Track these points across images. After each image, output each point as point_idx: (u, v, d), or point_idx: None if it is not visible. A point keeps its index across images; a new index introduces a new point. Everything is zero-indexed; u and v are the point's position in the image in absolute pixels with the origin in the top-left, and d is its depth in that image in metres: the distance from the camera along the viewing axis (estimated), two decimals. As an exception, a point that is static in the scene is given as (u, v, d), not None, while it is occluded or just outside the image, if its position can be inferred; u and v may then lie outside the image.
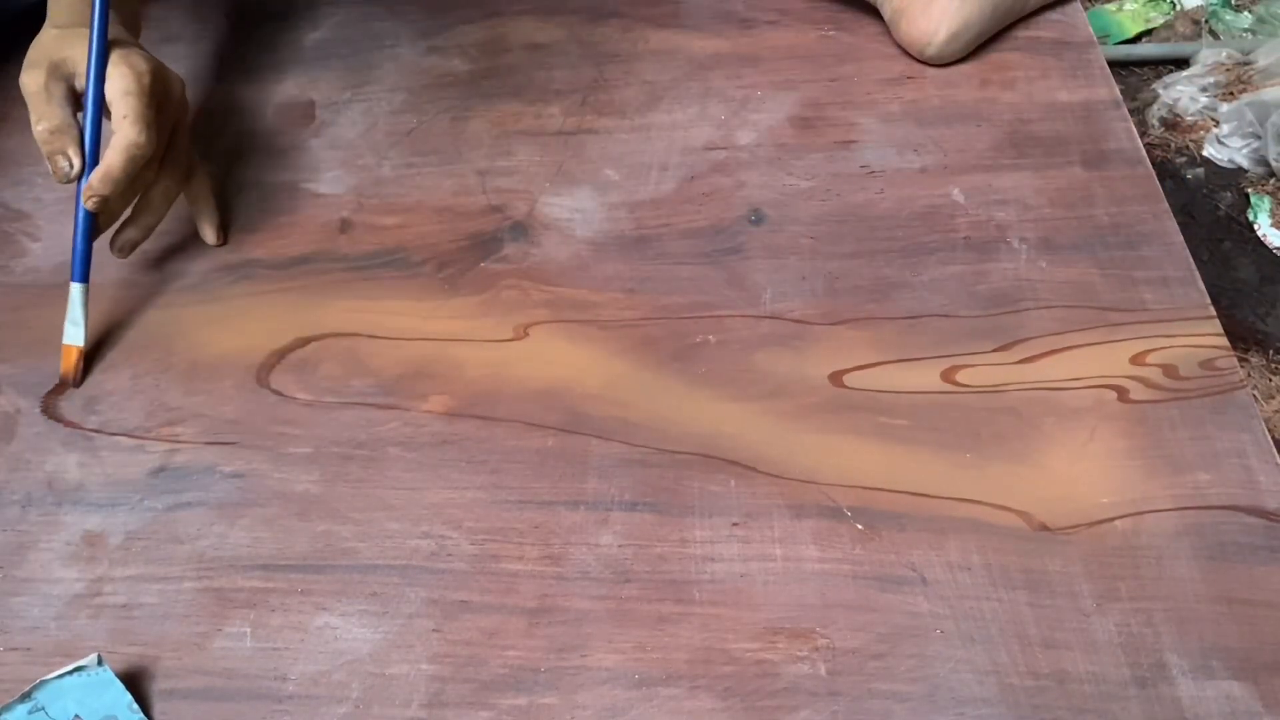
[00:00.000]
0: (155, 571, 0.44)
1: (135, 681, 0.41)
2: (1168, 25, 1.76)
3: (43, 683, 0.38)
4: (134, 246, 0.53)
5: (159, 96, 0.51)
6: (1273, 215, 1.48)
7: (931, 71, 0.61)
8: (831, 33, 0.63)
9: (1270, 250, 1.45)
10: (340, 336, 0.51)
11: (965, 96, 0.59)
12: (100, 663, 0.39)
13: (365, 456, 0.47)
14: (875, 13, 0.63)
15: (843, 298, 0.51)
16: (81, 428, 0.49)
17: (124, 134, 0.48)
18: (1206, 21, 1.76)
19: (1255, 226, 1.47)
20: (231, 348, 0.51)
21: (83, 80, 0.50)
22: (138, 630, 0.42)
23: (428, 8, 0.67)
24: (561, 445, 0.47)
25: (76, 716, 0.39)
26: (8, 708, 0.38)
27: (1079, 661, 0.39)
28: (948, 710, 0.38)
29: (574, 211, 0.56)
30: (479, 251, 0.54)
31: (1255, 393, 1.28)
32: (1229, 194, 1.52)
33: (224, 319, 0.52)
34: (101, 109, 0.50)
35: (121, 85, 0.49)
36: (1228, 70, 1.62)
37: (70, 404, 0.50)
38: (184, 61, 0.65)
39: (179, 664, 0.41)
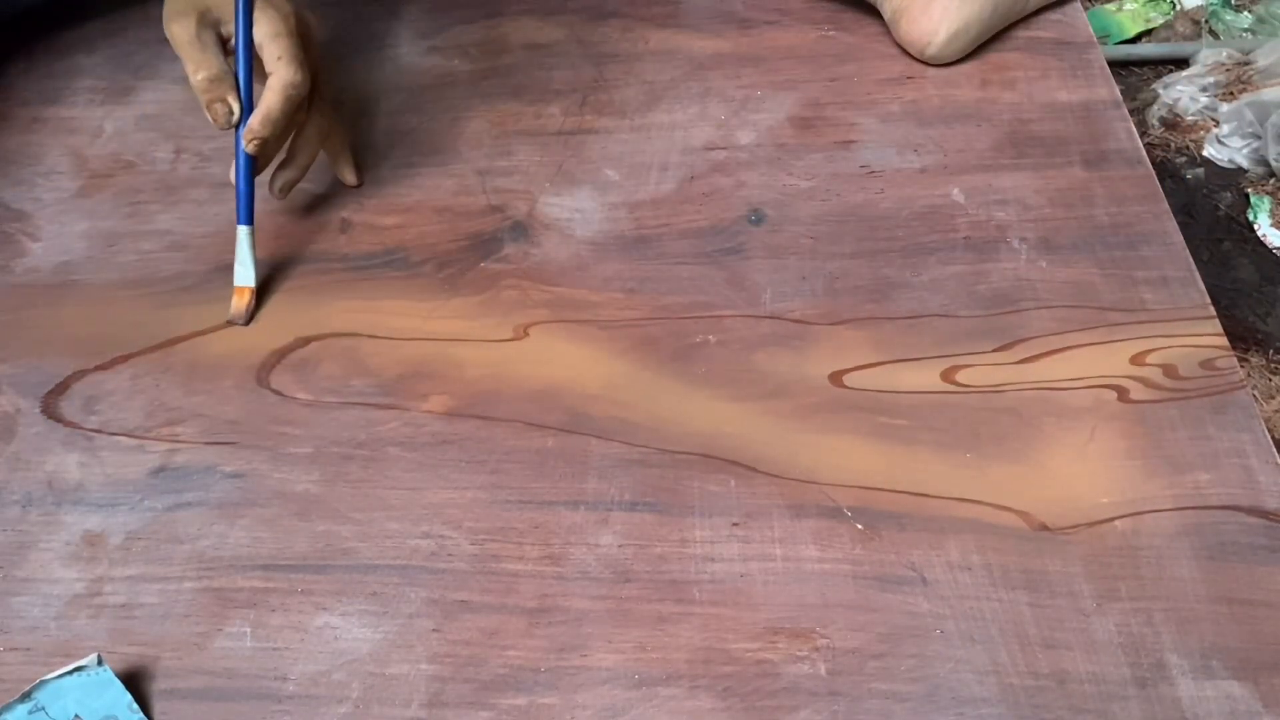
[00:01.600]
0: (155, 571, 0.44)
1: (135, 681, 0.41)
2: (1168, 25, 1.76)
3: (43, 683, 0.38)
4: (292, 186, 0.54)
5: (304, 36, 0.51)
6: (1273, 215, 1.48)
7: (931, 71, 0.61)
8: (831, 33, 0.63)
9: (1270, 250, 1.45)
10: (340, 336, 0.51)
11: (965, 96, 0.59)
12: (100, 663, 0.39)
13: (365, 456, 0.47)
14: (875, 13, 0.63)
15: (843, 298, 0.51)
16: (81, 428, 0.49)
17: (280, 75, 0.49)
18: (1206, 21, 1.76)
19: (1255, 226, 1.48)
20: (231, 348, 0.51)
21: (229, 26, 0.50)
22: (138, 630, 0.42)
23: (428, 8, 0.67)
24: (561, 445, 0.47)
25: (76, 716, 0.39)
26: (8, 708, 0.38)
27: (1079, 661, 0.39)
28: (948, 710, 0.38)
29: (574, 211, 0.56)
30: (479, 251, 0.54)
31: (1255, 393, 1.28)
32: (1229, 194, 1.52)
33: (224, 319, 0.52)
34: (252, 53, 0.50)
35: (270, 28, 0.49)
36: (1228, 70, 1.62)
37: (70, 404, 0.50)
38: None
39: (179, 664, 0.41)
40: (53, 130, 0.63)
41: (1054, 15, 0.63)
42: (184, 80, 0.64)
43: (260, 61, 0.50)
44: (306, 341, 0.51)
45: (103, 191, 0.59)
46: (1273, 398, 1.28)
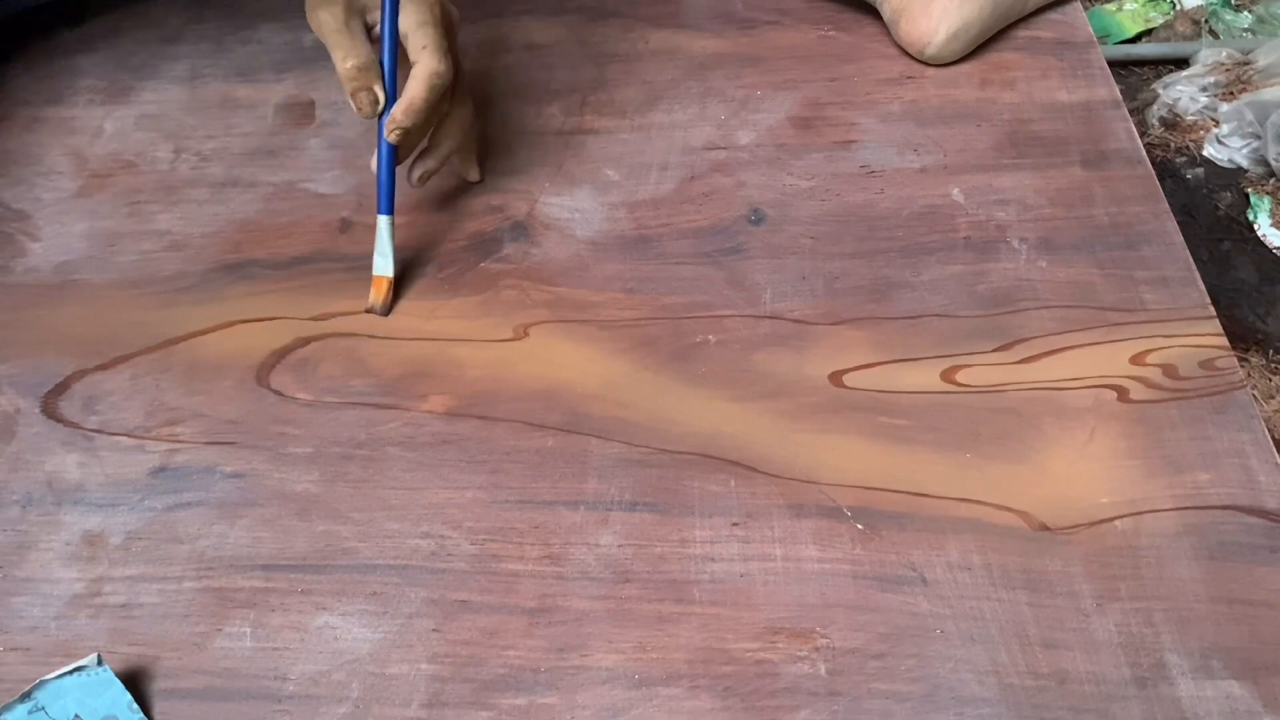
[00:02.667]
0: (155, 571, 0.44)
1: (135, 681, 0.41)
2: (1168, 25, 1.77)
3: (43, 683, 0.38)
4: (430, 176, 0.53)
5: (447, 26, 0.51)
6: (1273, 215, 1.48)
7: (931, 71, 0.61)
8: (831, 33, 0.63)
9: (1270, 250, 1.45)
10: (340, 336, 0.51)
11: (965, 96, 0.59)
12: (100, 663, 0.39)
13: (365, 456, 0.47)
14: (875, 13, 0.63)
15: (843, 298, 0.51)
16: (81, 428, 0.49)
17: (425, 64, 0.48)
18: (1206, 21, 1.76)
19: (1255, 226, 1.48)
20: (231, 348, 0.51)
21: (375, 14, 0.50)
22: (138, 630, 0.42)
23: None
24: (561, 445, 0.47)
25: (76, 716, 0.39)
26: (8, 708, 0.38)
27: (1079, 661, 0.39)
28: (948, 710, 0.38)
29: (574, 211, 0.56)
30: (479, 251, 0.54)
31: (1255, 393, 1.28)
32: (1229, 194, 1.52)
33: (224, 319, 0.52)
34: (397, 42, 0.50)
35: (417, 16, 0.49)
36: (1228, 70, 1.62)
37: (70, 404, 0.50)
38: (184, 61, 0.66)
39: (179, 664, 0.41)
40: (53, 130, 0.63)
41: (1054, 15, 0.63)
42: (184, 80, 0.64)
43: (404, 51, 0.50)
44: (306, 341, 0.51)
45: (103, 191, 0.59)
46: (1273, 398, 1.28)
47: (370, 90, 0.49)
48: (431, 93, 0.49)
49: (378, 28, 0.50)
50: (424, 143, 0.52)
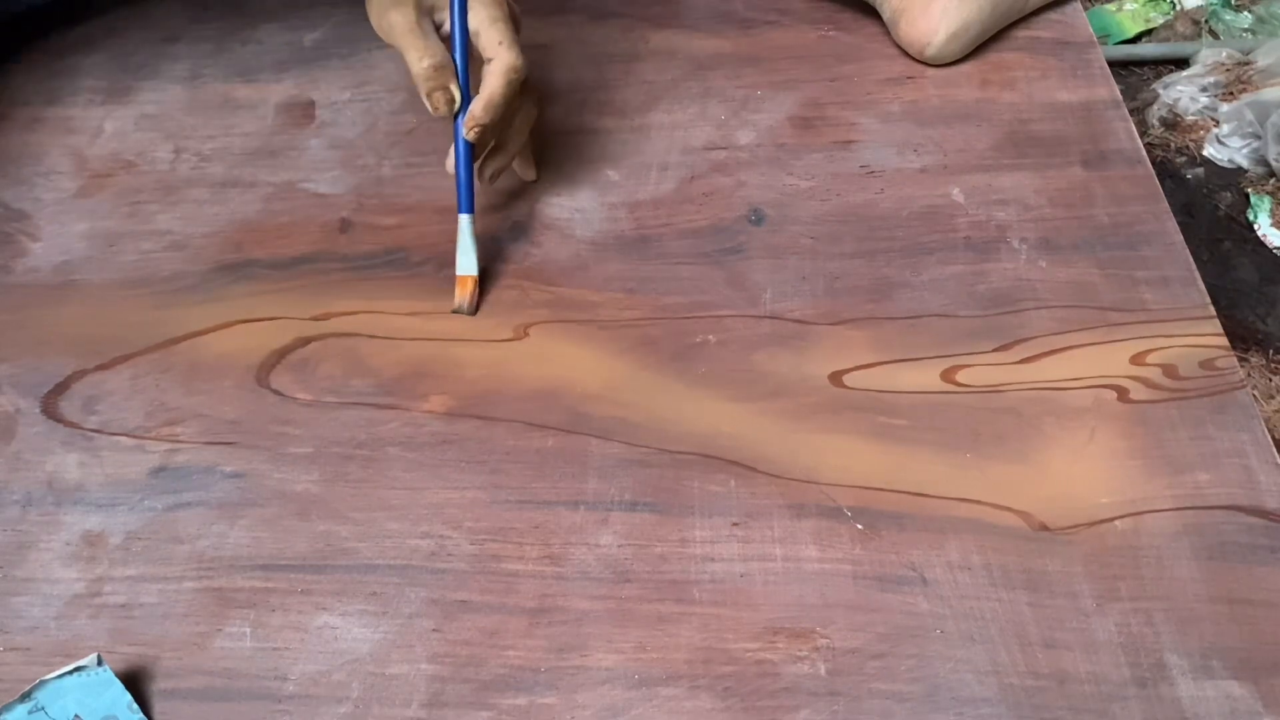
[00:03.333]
0: (155, 571, 0.44)
1: (135, 681, 0.41)
2: (1168, 25, 1.77)
3: (43, 683, 0.38)
4: (501, 173, 0.53)
5: (515, 21, 0.51)
6: (1273, 215, 1.48)
7: (931, 71, 0.61)
8: (831, 33, 0.63)
9: (1270, 250, 1.45)
10: (340, 336, 0.51)
11: (965, 96, 0.59)
12: (100, 663, 0.39)
13: (365, 456, 0.47)
14: (875, 13, 0.63)
15: (843, 298, 0.51)
16: (81, 428, 0.49)
17: (503, 59, 0.48)
18: (1206, 21, 1.76)
19: (1255, 226, 1.48)
20: (231, 348, 0.51)
21: (442, 13, 0.50)
22: (138, 630, 0.42)
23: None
24: (561, 445, 0.47)
25: (76, 716, 0.39)
26: (8, 708, 0.38)
27: (1079, 661, 0.39)
28: (948, 710, 0.38)
29: (574, 211, 0.56)
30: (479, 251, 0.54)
31: (1255, 393, 1.28)
32: (1229, 194, 1.52)
33: (224, 319, 0.52)
34: (467, 39, 0.50)
35: (487, 13, 0.49)
36: (1228, 70, 1.62)
37: (70, 404, 0.50)
38: (184, 61, 0.66)
39: (179, 664, 0.41)
40: (53, 130, 0.63)
41: (1054, 15, 0.63)
42: (184, 80, 0.64)
43: (473, 48, 0.50)
44: (306, 341, 0.51)
45: (103, 191, 0.59)
46: (1273, 398, 1.28)
47: (446, 89, 0.49)
48: (509, 88, 0.49)
49: (445, 26, 0.50)
50: (519, 138, 0.52)
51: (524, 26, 0.53)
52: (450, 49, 0.50)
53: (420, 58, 0.49)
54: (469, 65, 0.50)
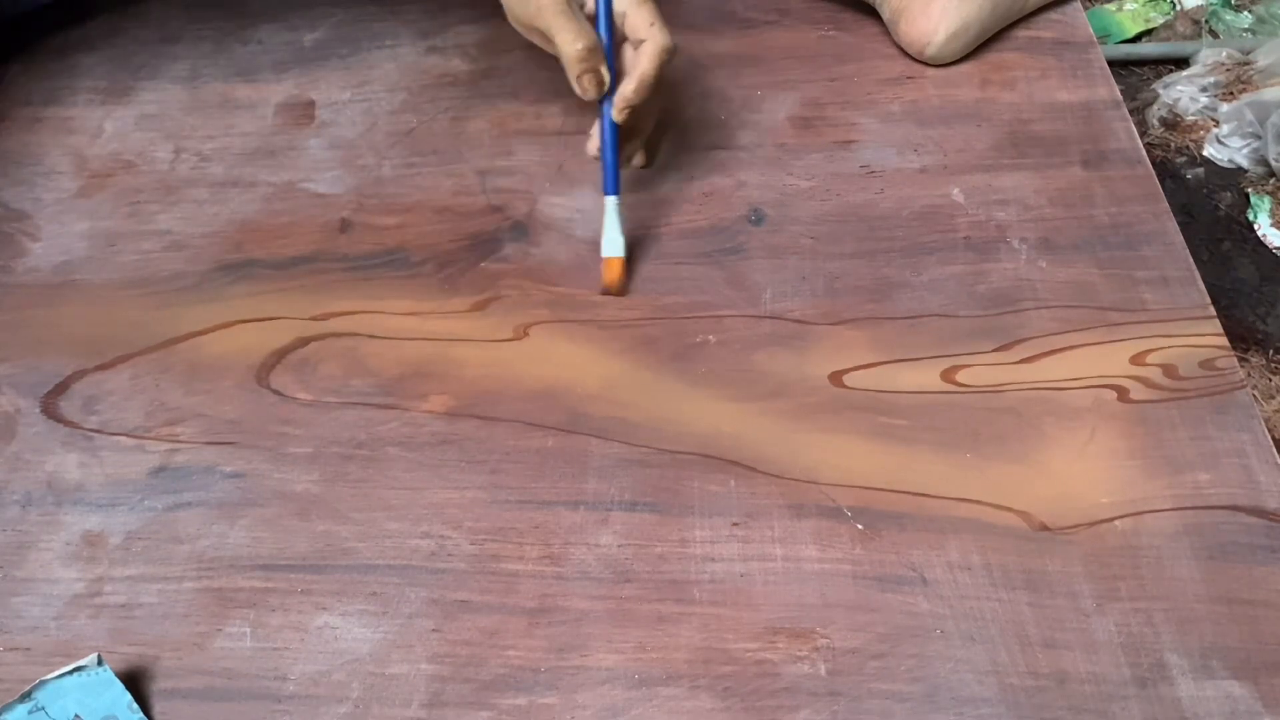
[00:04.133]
0: (155, 571, 0.44)
1: (135, 681, 0.41)
2: (1168, 25, 1.77)
3: (43, 683, 0.38)
4: (633, 157, 0.53)
5: (658, 3, 0.50)
6: (1273, 215, 1.48)
7: (931, 71, 0.61)
8: (831, 33, 0.63)
9: (1270, 250, 1.45)
10: (340, 336, 0.51)
11: (965, 96, 0.59)
12: (100, 663, 0.39)
13: (365, 456, 0.47)
14: (875, 13, 0.63)
15: (843, 298, 0.51)
16: (81, 428, 0.49)
17: (656, 40, 0.48)
18: (1206, 21, 1.76)
19: (1255, 226, 1.48)
20: (231, 348, 0.51)
21: None
22: (138, 630, 0.42)
23: (428, 8, 0.67)
24: (561, 445, 0.47)
25: (76, 716, 0.39)
26: (8, 708, 0.38)
27: (1079, 661, 0.39)
28: (948, 710, 0.38)
29: (574, 211, 0.56)
30: (479, 251, 0.54)
31: (1255, 393, 1.28)
32: (1229, 194, 1.52)
33: (224, 319, 0.52)
34: (613, 21, 0.49)
35: None
36: (1228, 70, 1.62)
37: (70, 404, 0.50)
38: (184, 61, 0.66)
39: (179, 664, 0.41)
40: (53, 130, 0.63)
41: (1054, 15, 0.63)
42: (184, 80, 0.64)
43: (618, 30, 0.49)
44: (306, 341, 0.51)
45: (103, 191, 0.59)
46: (1273, 398, 1.28)
47: (598, 72, 0.48)
48: (660, 69, 0.48)
49: (588, 5, 0.50)
50: (650, 126, 0.52)
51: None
52: (597, 29, 0.49)
53: (574, 39, 0.48)
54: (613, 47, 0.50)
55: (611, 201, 0.51)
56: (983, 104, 0.59)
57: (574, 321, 0.51)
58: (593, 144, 0.51)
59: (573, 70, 0.48)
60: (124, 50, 0.67)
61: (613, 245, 0.51)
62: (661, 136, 0.56)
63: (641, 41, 0.49)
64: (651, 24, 0.48)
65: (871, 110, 0.59)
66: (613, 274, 0.51)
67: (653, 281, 0.52)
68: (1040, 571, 0.41)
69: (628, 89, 0.48)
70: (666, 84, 0.52)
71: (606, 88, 0.49)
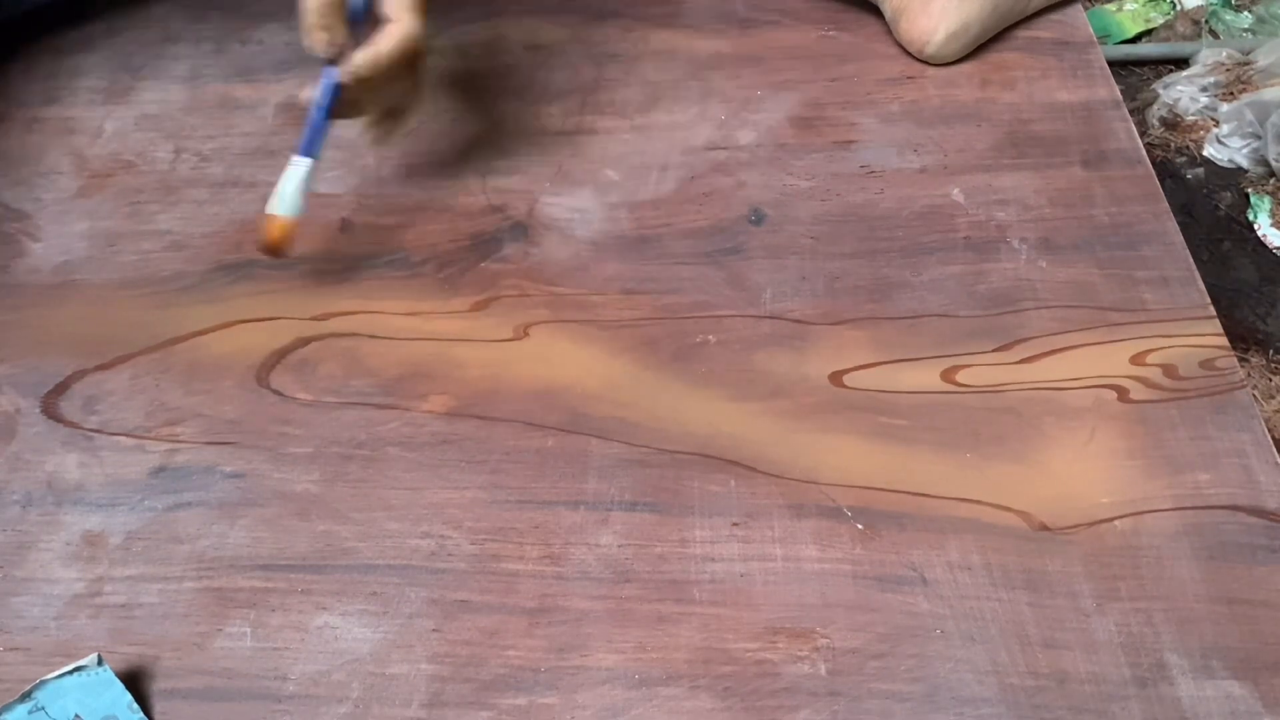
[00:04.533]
0: (155, 571, 0.44)
1: (135, 681, 0.41)
2: (1168, 25, 1.77)
3: (43, 683, 0.38)
4: (380, 142, 0.53)
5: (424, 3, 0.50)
6: (1273, 215, 1.48)
7: (931, 71, 0.61)
8: (831, 33, 0.63)
9: (1270, 250, 1.45)
10: (340, 336, 0.51)
11: (965, 96, 0.59)
12: (100, 663, 0.39)
13: (365, 456, 0.47)
14: (875, 12, 0.63)
15: (843, 298, 0.51)
16: (81, 428, 0.49)
17: (405, 24, 0.48)
18: (1206, 21, 1.76)
19: (1255, 226, 1.48)
20: (231, 348, 0.51)
21: None
22: (138, 630, 0.42)
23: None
24: (561, 445, 0.47)
25: (76, 716, 0.39)
26: (8, 708, 0.38)
27: (1079, 661, 0.39)
28: (948, 710, 0.38)
29: (574, 211, 0.56)
30: (479, 251, 0.54)
31: (1255, 393, 1.28)
32: (1229, 194, 1.52)
33: (224, 319, 0.52)
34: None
35: None
36: (1228, 70, 1.62)
37: (70, 404, 0.50)
38: (184, 61, 0.66)
39: (179, 664, 0.41)
40: (53, 130, 0.63)
41: (1054, 15, 0.63)
42: (184, 80, 0.64)
43: (374, 13, 0.49)
44: (306, 341, 0.51)
45: (103, 191, 0.59)
46: (1273, 398, 1.28)
47: (329, 31, 0.48)
48: (400, 55, 0.48)
49: None
50: (380, 109, 0.52)
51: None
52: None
53: None
54: (366, 24, 0.49)
55: (303, 162, 0.50)
56: (983, 104, 0.59)
57: (574, 321, 0.51)
58: (305, 92, 0.50)
59: (305, 20, 0.48)
60: (124, 50, 0.67)
61: (285, 204, 0.50)
62: (397, 125, 0.55)
63: (391, 22, 0.48)
64: (408, 9, 0.48)
65: (871, 110, 0.59)
66: (273, 232, 0.50)
67: (653, 281, 0.52)
68: (1040, 571, 0.41)
69: (358, 57, 0.48)
70: (415, 79, 0.51)
71: (336, 50, 0.48)
